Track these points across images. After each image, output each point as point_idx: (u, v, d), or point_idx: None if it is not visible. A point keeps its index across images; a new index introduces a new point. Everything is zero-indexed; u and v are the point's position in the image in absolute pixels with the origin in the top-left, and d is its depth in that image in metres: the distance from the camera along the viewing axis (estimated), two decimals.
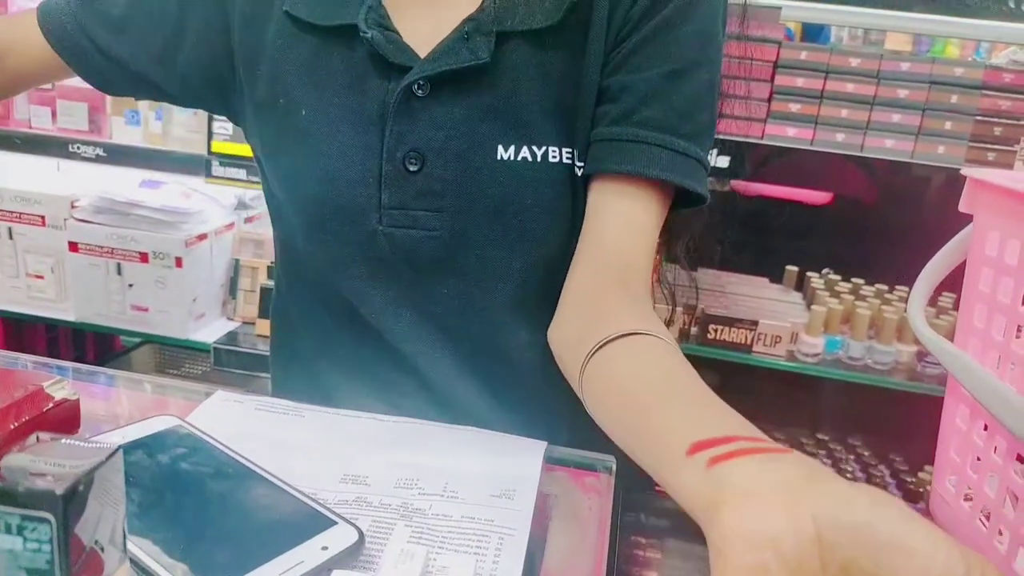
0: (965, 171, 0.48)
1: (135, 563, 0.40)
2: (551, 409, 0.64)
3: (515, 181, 0.59)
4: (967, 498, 0.49)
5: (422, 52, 0.58)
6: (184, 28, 0.65)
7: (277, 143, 0.64)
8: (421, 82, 0.57)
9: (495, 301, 0.62)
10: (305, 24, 0.61)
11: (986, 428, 0.47)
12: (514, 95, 0.58)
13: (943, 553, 0.27)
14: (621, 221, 0.57)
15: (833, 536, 0.28)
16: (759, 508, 0.29)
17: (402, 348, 0.65)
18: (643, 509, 0.50)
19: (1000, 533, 0.45)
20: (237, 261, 1.68)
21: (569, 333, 0.56)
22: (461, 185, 0.59)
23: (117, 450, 0.30)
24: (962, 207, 0.50)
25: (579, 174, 0.60)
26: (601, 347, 0.49)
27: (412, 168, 0.59)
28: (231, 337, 1.62)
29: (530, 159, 0.58)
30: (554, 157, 0.59)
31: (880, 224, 1.68)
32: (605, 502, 0.51)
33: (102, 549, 0.30)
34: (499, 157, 0.58)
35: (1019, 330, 0.43)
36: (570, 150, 0.59)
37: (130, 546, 0.40)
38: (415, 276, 0.62)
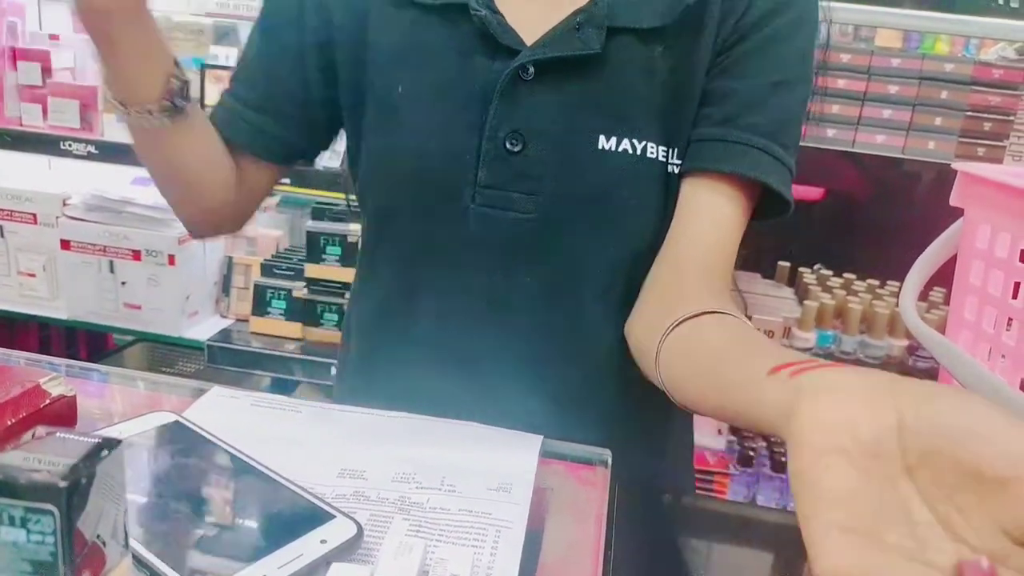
0: (956, 165, 0.49)
1: (136, 558, 0.40)
2: (613, 416, 0.64)
3: (613, 172, 0.59)
4: None
5: (526, 37, 0.59)
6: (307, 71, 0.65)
7: (369, 122, 0.64)
8: (530, 66, 0.58)
9: (579, 294, 0.62)
10: (406, 1, 0.61)
11: None
12: (619, 88, 0.59)
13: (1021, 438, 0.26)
14: (712, 219, 0.59)
15: (914, 424, 0.27)
16: (838, 398, 0.29)
17: (466, 348, 0.65)
18: (639, 501, 0.51)
19: None
20: (230, 259, 1.67)
21: (648, 319, 0.58)
22: (560, 170, 0.59)
23: (118, 444, 0.30)
24: (953, 201, 0.50)
25: (674, 172, 0.61)
26: (680, 323, 0.51)
27: (513, 148, 0.59)
28: (225, 335, 1.62)
29: (629, 152, 0.59)
30: (651, 153, 0.60)
31: (871, 220, 1.69)
32: (601, 495, 0.52)
33: (104, 543, 0.30)
34: (600, 147, 0.59)
35: (1009, 322, 0.43)
36: (666, 148, 0.60)
37: (131, 541, 0.40)
38: (500, 261, 0.62)
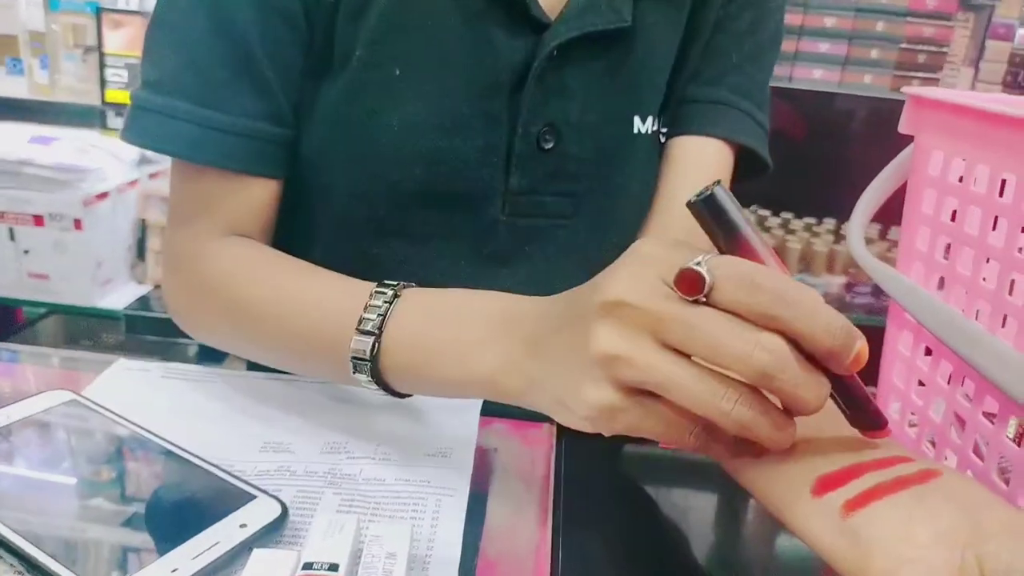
0: (906, 90, 0.46)
1: (18, 555, 0.35)
2: None
3: (645, 157, 0.54)
4: (911, 424, 0.48)
5: (548, 10, 0.49)
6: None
7: (347, 111, 0.50)
8: (561, 44, 0.49)
9: None
10: None
11: (929, 353, 0.46)
12: (650, 60, 0.53)
13: None
14: (701, 183, 0.54)
15: None
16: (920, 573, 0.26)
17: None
18: (586, 458, 0.48)
19: (945, 458, 0.44)
20: (143, 221, 1.57)
21: None
22: (597, 164, 0.52)
23: None
24: (903, 128, 0.48)
25: (662, 142, 0.57)
26: None
27: (546, 146, 0.50)
28: (143, 303, 1.53)
29: (652, 131, 0.55)
30: (655, 126, 0.56)
31: (806, 158, 1.69)
32: (548, 453, 0.49)
33: None
34: (636, 130, 0.53)
35: (970, 254, 0.41)
36: (658, 117, 0.56)
37: (12, 536, 0.35)
38: (532, 274, 0.54)
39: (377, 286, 0.43)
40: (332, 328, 0.43)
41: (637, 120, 0.54)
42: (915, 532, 0.27)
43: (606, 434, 0.35)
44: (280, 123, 0.50)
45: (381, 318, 0.42)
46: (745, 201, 0.33)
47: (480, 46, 0.49)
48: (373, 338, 0.42)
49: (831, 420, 0.34)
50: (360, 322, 0.42)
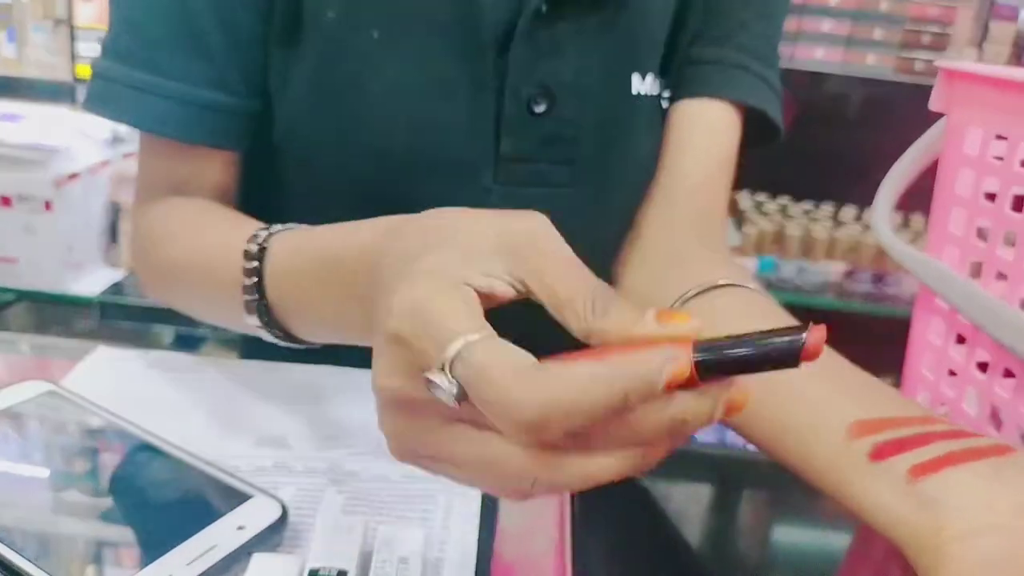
0: (939, 63, 0.44)
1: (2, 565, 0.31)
2: None
3: (643, 118, 0.51)
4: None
5: None
6: None
7: (323, 78, 0.47)
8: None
9: (612, 265, 0.54)
10: None
11: (961, 341, 0.44)
12: (647, 13, 0.50)
13: None
14: (707, 150, 0.52)
15: None
16: (990, 548, 0.25)
17: None
18: None
19: None
20: (116, 203, 1.52)
21: (642, 280, 0.51)
22: (596, 128, 0.50)
23: None
24: (933, 105, 0.46)
25: (664, 107, 0.54)
26: (687, 300, 0.44)
27: (538, 109, 0.48)
28: (116, 288, 1.48)
29: (652, 93, 0.52)
30: (655, 89, 0.52)
31: (803, 140, 1.68)
32: None
33: None
34: (634, 91, 0.50)
35: (1010, 236, 0.39)
36: (660, 79, 0.53)
37: None
38: None
39: (258, 230, 0.41)
40: (231, 274, 0.41)
41: (636, 79, 0.51)
42: (995, 500, 0.26)
43: None
44: (225, 90, 0.47)
45: (257, 262, 0.39)
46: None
47: (461, 4, 0.46)
48: (255, 278, 0.39)
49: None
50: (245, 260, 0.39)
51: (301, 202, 0.51)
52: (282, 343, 0.41)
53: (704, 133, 0.53)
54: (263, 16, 0.47)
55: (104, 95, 0.47)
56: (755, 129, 0.54)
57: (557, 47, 0.48)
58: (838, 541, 0.45)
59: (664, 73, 0.54)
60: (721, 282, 0.44)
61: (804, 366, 0.21)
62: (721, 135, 0.53)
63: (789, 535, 0.46)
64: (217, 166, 0.50)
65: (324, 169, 0.50)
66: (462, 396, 0.23)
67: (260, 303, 0.40)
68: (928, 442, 0.29)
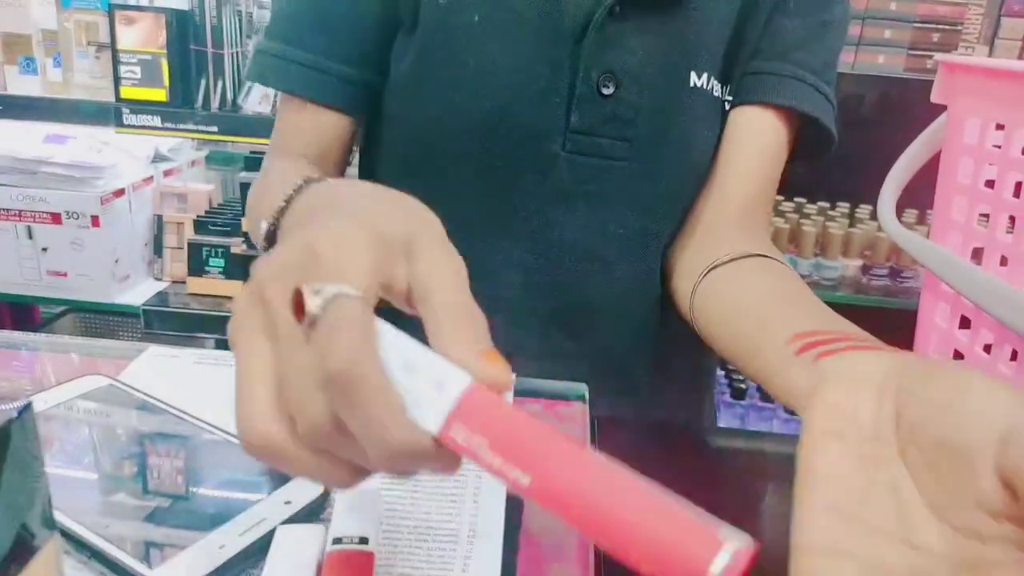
0: (939, 57, 0.46)
1: (71, 537, 0.35)
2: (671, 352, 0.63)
3: (699, 111, 0.57)
4: None
5: None
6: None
7: (431, 49, 0.57)
8: (618, 2, 0.53)
9: (660, 242, 0.60)
10: None
11: (965, 323, 0.46)
12: (706, 26, 0.56)
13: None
14: (760, 151, 0.57)
15: (909, 403, 0.27)
16: (848, 384, 0.29)
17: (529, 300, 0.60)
18: (620, 435, 0.48)
19: None
20: (160, 217, 1.58)
21: (685, 259, 0.57)
22: (654, 113, 0.56)
23: (27, 409, 0.25)
24: (935, 97, 0.48)
25: (727, 110, 0.59)
26: (715, 267, 0.51)
27: (606, 91, 0.55)
28: (161, 298, 1.53)
29: (708, 89, 0.57)
30: (717, 91, 0.58)
31: None
32: (581, 430, 0.49)
33: (23, 525, 0.25)
34: (692, 84, 0.56)
35: (1012, 222, 0.41)
36: (723, 85, 0.58)
37: (65, 519, 0.35)
38: (589, 213, 0.58)
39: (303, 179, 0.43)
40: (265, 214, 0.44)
41: (693, 75, 0.56)
42: (861, 366, 0.29)
43: None
44: (348, 63, 0.58)
45: (284, 205, 0.41)
46: None
47: (551, 2, 0.55)
48: (269, 224, 0.41)
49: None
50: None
51: (391, 160, 0.62)
52: None
53: (757, 134, 0.58)
54: (386, 5, 0.57)
55: (260, 68, 0.59)
56: (809, 139, 0.59)
57: (624, 40, 0.54)
58: None
59: (727, 81, 0.59)
60: (752, 251, 0.50)
61: None
62: (770, 137, 0.57)
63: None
64: (333, 127, 0.60)
65: (426, 131, 0.58)
66: (312, 322, 0.25)
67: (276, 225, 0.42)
68: (843, 341, 0.33)
